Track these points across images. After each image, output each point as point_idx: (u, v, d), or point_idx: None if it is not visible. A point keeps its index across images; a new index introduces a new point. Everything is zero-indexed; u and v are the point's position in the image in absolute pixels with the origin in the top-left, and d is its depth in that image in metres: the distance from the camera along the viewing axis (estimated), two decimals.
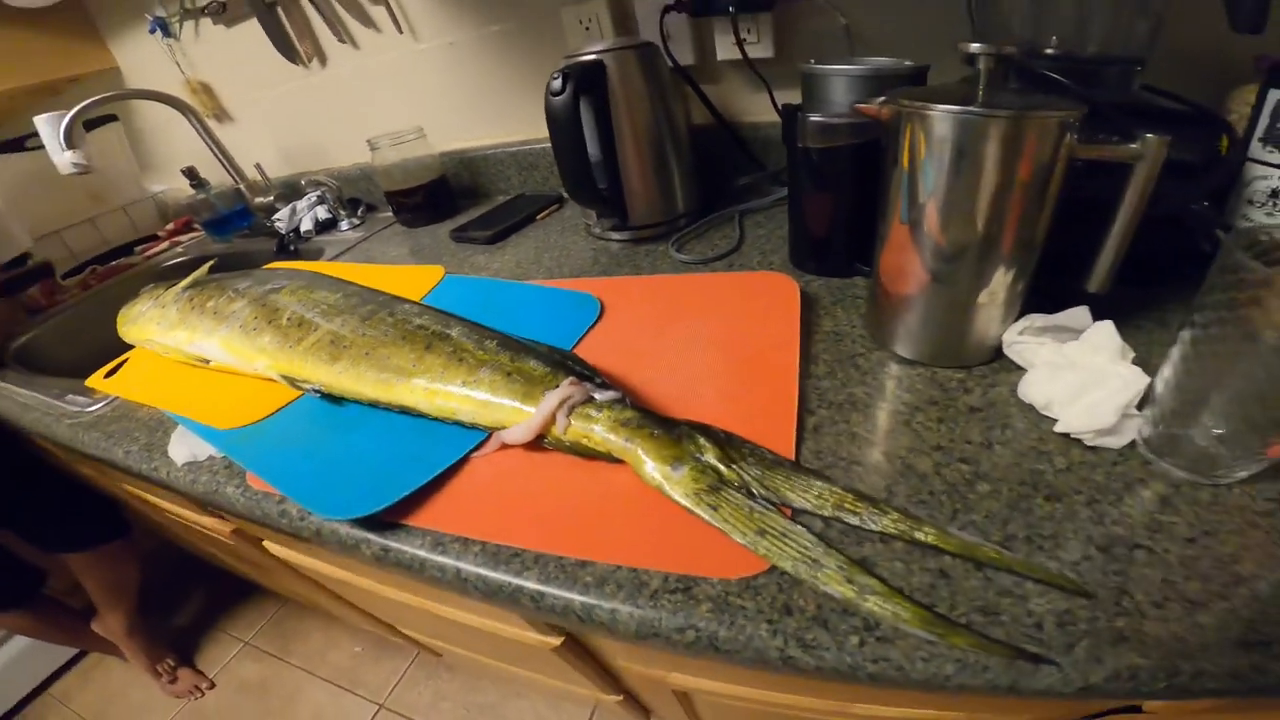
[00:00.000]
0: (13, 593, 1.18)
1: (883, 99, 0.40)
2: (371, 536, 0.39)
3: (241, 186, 1.15)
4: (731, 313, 0.52)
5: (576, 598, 0.33)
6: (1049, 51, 0.48)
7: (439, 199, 0.97)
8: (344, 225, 1.06)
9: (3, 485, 1.04)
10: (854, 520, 0.33)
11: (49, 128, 0.96)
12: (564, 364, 0.43)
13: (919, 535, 0.31)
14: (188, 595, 1.62)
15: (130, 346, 0.74)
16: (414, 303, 0.53)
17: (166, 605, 1.58)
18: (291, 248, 1.03)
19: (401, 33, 0.98)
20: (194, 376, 0.62)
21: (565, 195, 0.92)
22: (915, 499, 0.34)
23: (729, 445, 0.36)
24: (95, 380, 0.71)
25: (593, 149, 0.65)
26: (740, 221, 0.72)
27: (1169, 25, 0.45)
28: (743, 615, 0.30)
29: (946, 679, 0.28)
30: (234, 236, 1.20)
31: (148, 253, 1.28)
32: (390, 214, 1.04)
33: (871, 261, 0.46)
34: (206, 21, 1.16)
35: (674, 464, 0.35)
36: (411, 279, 0.69)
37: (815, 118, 0.50)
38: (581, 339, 0.52)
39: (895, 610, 0.28)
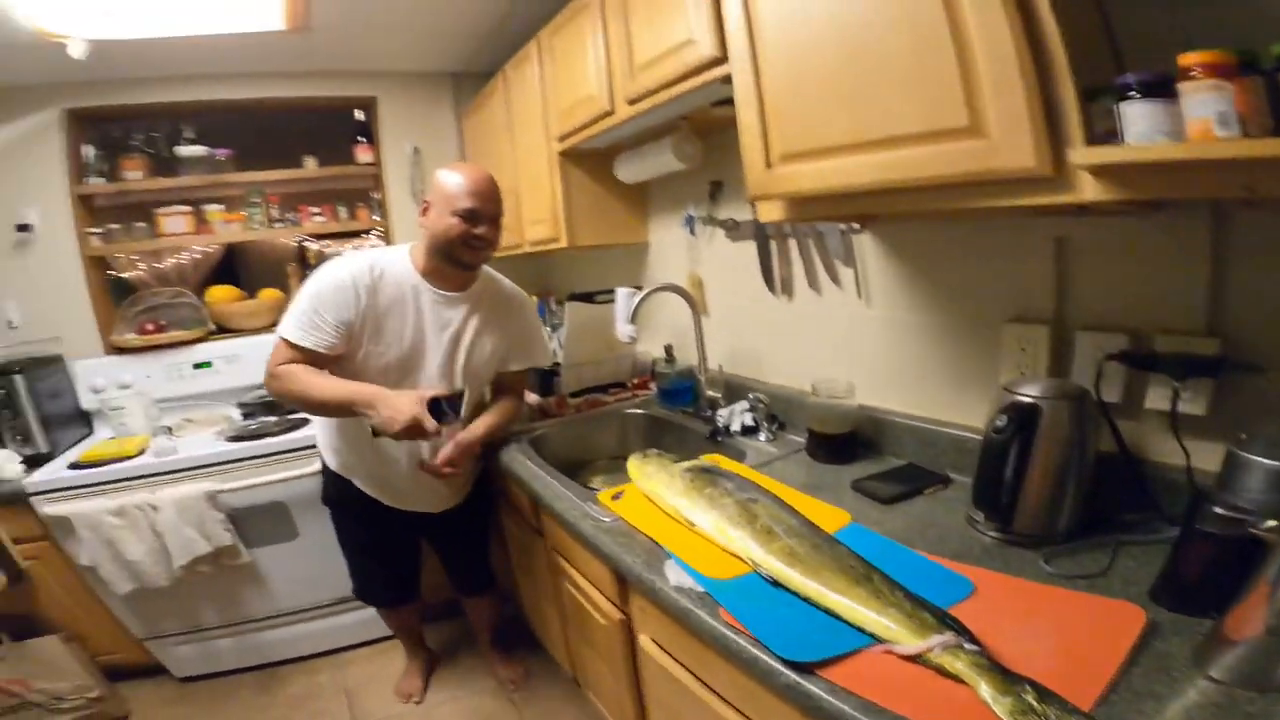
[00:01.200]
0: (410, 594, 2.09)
1: (1272, 525, 0.71)
2: (789, 673, 0.84)
3: (701, 377, 1.87)
4: (1079, 622, 0.86)
5: None
6: None
7: (846, 447, 1.50)
8: (762, 436, 1.68)
9: (476, 537, 1.93)
10: None
11: (624, 300, 1.79)
12: (945, 619, 0.85)
13: None
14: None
15: (625, 479, 1.41)
16: (847, 546, 1.03)
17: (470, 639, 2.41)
18: (719, 439, 1.67)
19: (859, 297, 1.57)
20: (676, 527, 1.21)
21: (951, 476, 1.34)
22: None
23: (1045, 693, 0.71)
24: (604, 498, 1.38)
25: (1007, 469, 1.05)
26: (1115, 550, 1.00)
27: None
28: None
29: None
30: (678, 409, 1.92)
31: (616, 396, 2.17)
32: (801, 441, 1.61)
33: (1224, 608, 0.75)
34: (719, 232, 1.96)
35: (1003, 694, 0.72)
36: (826, 514, 1.21)
37: (1218, 510, 0.82)
38: (953, 606, 0.92)
39: None
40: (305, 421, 2.31)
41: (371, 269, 1.60)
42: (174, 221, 2.69)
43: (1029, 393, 1.06)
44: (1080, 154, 0.77)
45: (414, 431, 1.46)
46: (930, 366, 1.44)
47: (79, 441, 2.43)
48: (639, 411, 2.07)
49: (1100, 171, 0.77)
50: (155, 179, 2.67)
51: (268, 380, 1.60)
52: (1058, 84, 0.78)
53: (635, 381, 2.31)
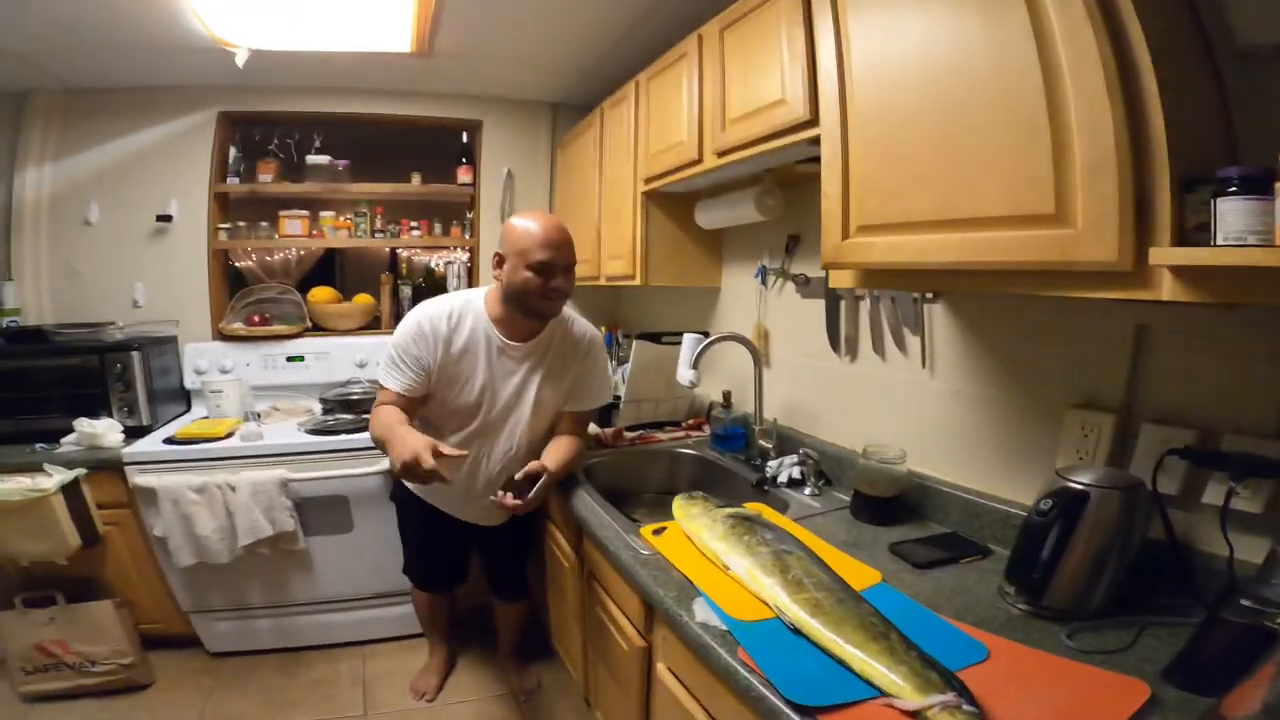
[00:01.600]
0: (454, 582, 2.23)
1: None
2: (791, 714, 0.87)
3: (756, 426, 1.92)
4: (1082, 693, 0.88)
5: None
6: None
7: (890, 509, 1.52)
8: (807, 490, 1.72)
9: (519, 549, 2.05)
10: None
11: (690, 346, 1.86)
12: (952, 680, 0.87)
13: None
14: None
15: (668, 515, 1.47)
16: (870, 605, 1.06)
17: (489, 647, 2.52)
18: (765, 488, 1.72)
19: (924, 366, 1.59)
20: (710, 568, 1.27)
21: (991, 548, 1.34)
22: None
23: None
24: (646, 532, 1.44)
25: (1044, 549, 1.07)
26: (1141, 630, 1.02)
27: None
28: None
29: None
30: (728, 454, 1.98)
31: (670, 434, 2.26)
32: (845, 499, 1.64)
33: (1229, 687, 0.75)
34: (790, 286, 2.01)
35: None
36: (857, 572, 1.24)
37: (1245, 601, 0.85)
38: (964, 669, 0.93)
39: None
40: None
41: (450, 316, 1.72)
42: (293, 224, 2.98)
43: (1081, 479, 1.08)
44: (1160, 254, 0.77)
45: (411, 471, 1.45)
46: (986, 440, 1.45)
47: (176, 418, 2.66)
48: (690, 452, 2.14)
49: (1181, 272, 0.77)
50: (282, 183, 2.97)
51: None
52: (1154, 176, 0.79)
53: (690, 422, 2.40)
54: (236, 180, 2.91)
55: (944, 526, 1.48)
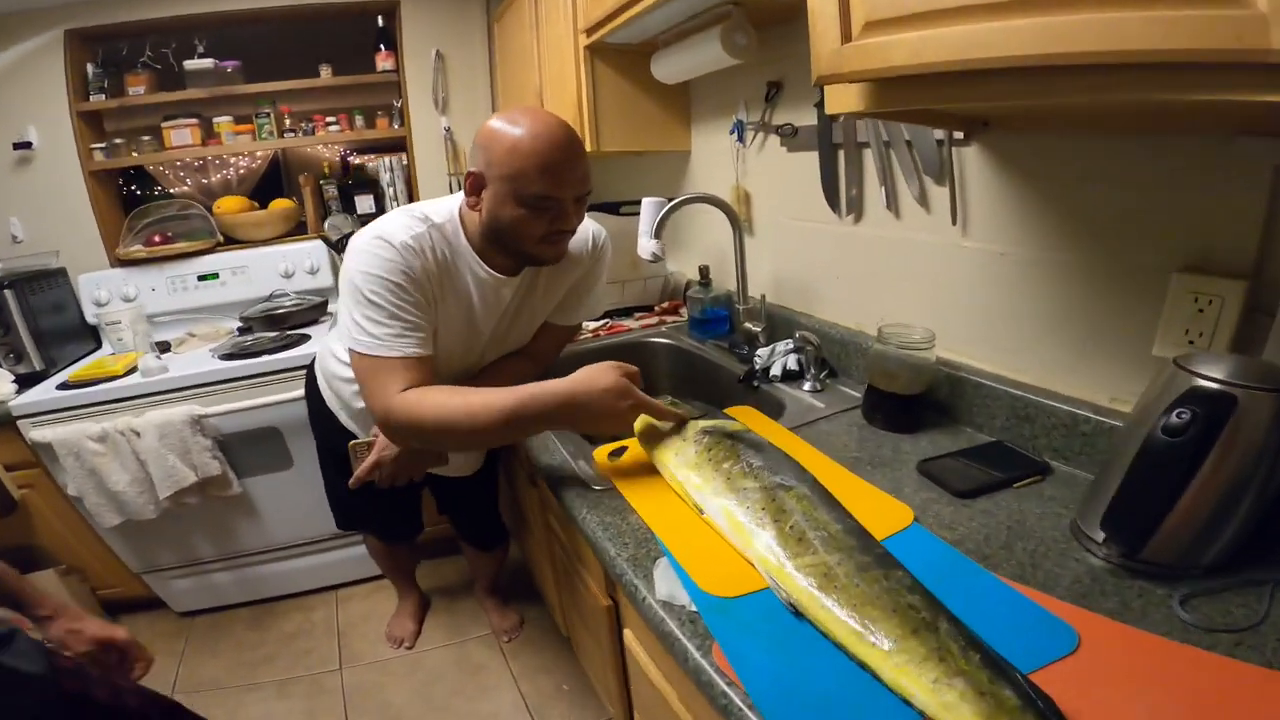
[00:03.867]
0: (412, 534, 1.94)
1: None
2: None
3: (740, 307, 1.60)
4: (1223, 703, 0.58)
5: None
6: None
7: (915, 411, 1.18)
8: (807, 384, 1.39)
9: (485, 493, 1.77)
10: None
11: (650, 211, 1.50)
12: (1037, 705, 0.55)
13: None
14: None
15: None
16: (906, 571, 0.73)
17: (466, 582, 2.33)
18: (756, 384, 1.40)
19: (954, 224, 1.21)
20: (679, 509, 0.94)
21: (1051, 464, 1.02)
22: None
23: None
24: (600, 455, 1.11)
25: (1167, 481, 0.73)
26: (1272, 594, 0.72)
27: None
28: None
29: None
30: (709, 342, 1.66)
31: (641, 322, 1.94)
32: (855, 395, 1.31)
33: None
34: (774, 140, 1.62)
35: None
36: (879, 510, 0.90)
37: None
38: (1043, 668, 0.63)
39: None
40: (304, 339, 2.18)
41: (431, 248, 1.17)
42: (180, 134, 2.59)
43: (1215, 374, 0.73)
44: None
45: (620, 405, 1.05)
46: (1042, 318, 1.09)
47: (81, 359, 2.31)
48: (665, 341, 1.81)
49: None
50: (157, 93, 2.57)
51: (399, 419, 1.10)
52: None
53: (664, 306, 2.06)
54: (104, 97, 2.51)
55: (986, 434, 1.15)
